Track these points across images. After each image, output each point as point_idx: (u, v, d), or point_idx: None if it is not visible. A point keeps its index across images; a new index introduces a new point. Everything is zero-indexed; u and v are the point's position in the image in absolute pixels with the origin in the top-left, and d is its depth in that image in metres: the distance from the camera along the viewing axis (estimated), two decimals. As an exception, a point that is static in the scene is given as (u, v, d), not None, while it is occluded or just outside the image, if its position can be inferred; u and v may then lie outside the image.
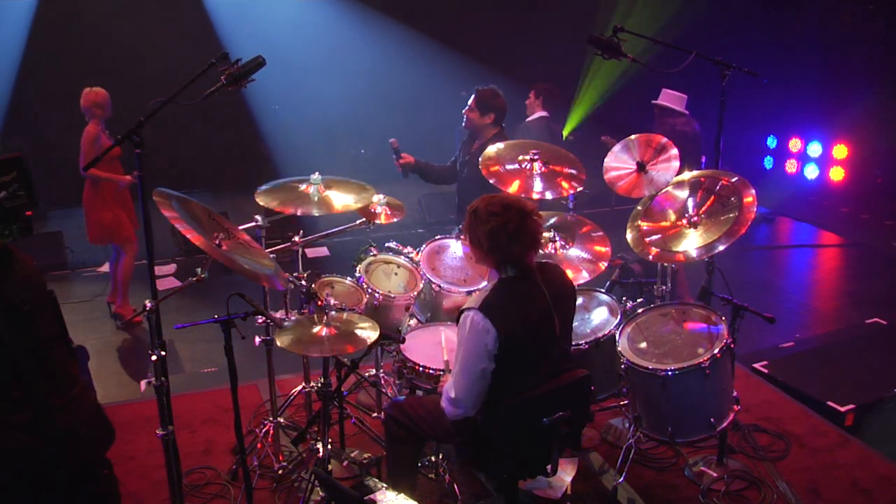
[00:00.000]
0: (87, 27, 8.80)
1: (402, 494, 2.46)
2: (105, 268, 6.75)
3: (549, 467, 2.99)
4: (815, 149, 9.30)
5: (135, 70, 8.65)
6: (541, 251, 3.77)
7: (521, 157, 4.07)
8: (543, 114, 6.36)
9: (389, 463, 3.23)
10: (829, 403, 4.39)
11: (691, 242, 3.68)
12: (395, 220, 4.19)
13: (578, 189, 4.05)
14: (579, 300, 3.83)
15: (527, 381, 2.83)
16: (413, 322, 3.99)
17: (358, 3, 9.49)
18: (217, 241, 3.02)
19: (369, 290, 3.92)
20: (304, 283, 3.57)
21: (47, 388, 2.13)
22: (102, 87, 5.61)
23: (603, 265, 3.97)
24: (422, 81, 9.63)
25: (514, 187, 3.92)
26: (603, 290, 4.11)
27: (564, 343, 2.93)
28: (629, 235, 3.91)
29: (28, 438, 2.10)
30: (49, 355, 2.19)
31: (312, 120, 9.47)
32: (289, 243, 3.87)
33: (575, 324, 3.21)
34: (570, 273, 3.43)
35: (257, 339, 3.83)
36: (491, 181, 3.99)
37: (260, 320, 3.67)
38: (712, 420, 3.40)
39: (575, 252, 4.03)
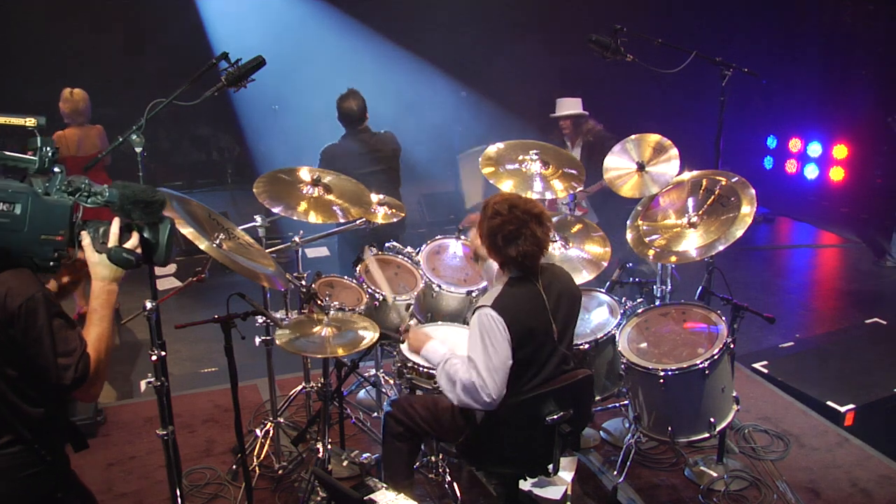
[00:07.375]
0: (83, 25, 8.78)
1: (402, 494, 2.46)
2: None
3: (550, 467, 2.99)
4: (815, 149, 9.28)
5: (134, 70, 8.64)
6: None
7: (521, 157, 4.08)
8: None
9: (385, 459, 3.23)
10: (829, 403, 4.40)
11: (691, 242, 3.68)
12: (394, 220, 4.19)
13: (578, 189, 4.06)
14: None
15: (527, 379, 2.82)
16: (413, 322, 3.98)
17: (361, 5, 9.48)
18: (217, 241, 3.02)
19: (369, 290, 3.92)
20: (303, 283, 3.57)
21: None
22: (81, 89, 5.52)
23: (603, 265, 3.97)
24: (422, 81, 9.61)
25: (512, 187, 3.93)
26: (603, 290, 4.11)
27: (564, 347, 2.91)
28: (629, 235, 3.91)
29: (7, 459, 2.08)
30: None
31: (313, 119, 9.45)
32: (289, 243, 3.87)
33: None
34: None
35: (257, 339, 3.83)
36: (491, 181, 4.00)
37: (260, 320, 3.67)
38: (712, 420, 3.40)
39: (575, 252, 4.03)
